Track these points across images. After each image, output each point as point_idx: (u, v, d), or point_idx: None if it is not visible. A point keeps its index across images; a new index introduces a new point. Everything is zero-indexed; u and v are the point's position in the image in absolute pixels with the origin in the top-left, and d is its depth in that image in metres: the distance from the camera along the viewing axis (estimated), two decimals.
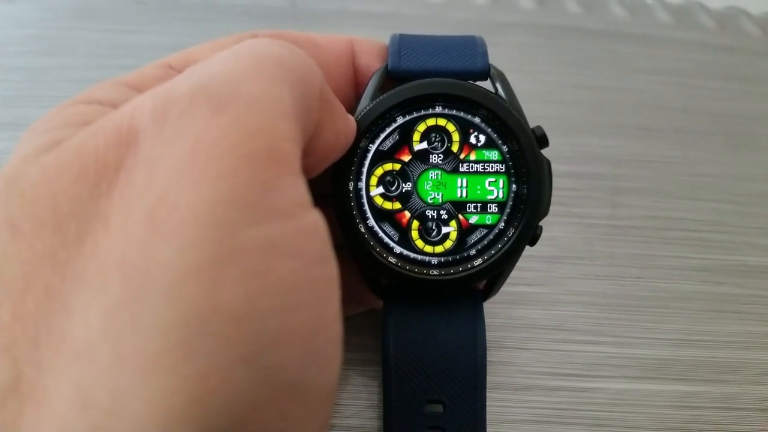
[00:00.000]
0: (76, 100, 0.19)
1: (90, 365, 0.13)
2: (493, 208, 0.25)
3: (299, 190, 0.17)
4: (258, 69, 0.17)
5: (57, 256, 0.15)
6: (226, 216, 0.14)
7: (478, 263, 0.25)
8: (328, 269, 0.17)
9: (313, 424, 0.16)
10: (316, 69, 0.19)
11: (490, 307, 0.31)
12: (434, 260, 0.25)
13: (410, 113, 0.25)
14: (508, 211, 0.25)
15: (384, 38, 0.27)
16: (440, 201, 0.25)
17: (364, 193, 0.25)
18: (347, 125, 0.23)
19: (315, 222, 0.17)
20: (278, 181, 0.16)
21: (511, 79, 0.26)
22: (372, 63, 0.26)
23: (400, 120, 0.25)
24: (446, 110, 0.25)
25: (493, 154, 0.25)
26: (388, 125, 0.25)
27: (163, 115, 0.16)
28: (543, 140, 0.25)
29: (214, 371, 0.13)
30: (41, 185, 0.15)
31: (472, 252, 0.25)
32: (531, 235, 0.25)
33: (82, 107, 0.18)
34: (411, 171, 0.25)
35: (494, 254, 0.25)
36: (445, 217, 0.25)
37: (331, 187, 0.25)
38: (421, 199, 0.25)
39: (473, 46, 0.26)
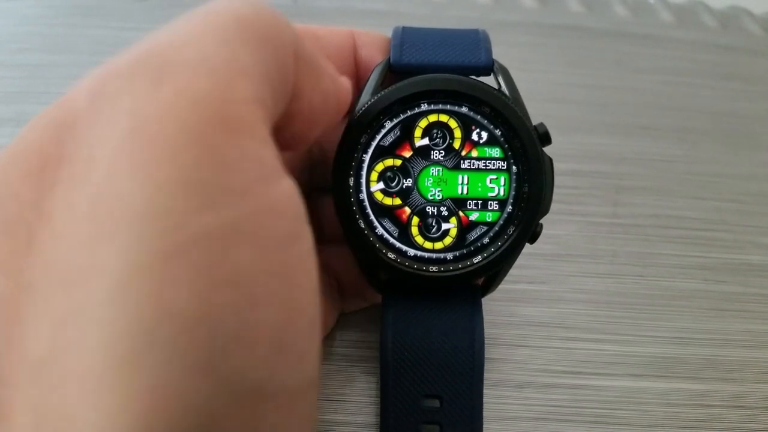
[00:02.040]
0: None
1: (42, 383, 0.12)
2: (494, 205, 0.25)
3: (263, 160, 0.14)
4: (211, 29, 0.15)
5: (10, 263, 0.13)
6: (170, 204, 0.12)
7: (477, 260, 0.25)
8: (299, 249, 0.15)
9: (292, 425, 0.15)
10: (287, 26, 0.17)
11: (492, 304, 0.31)
12: (434, 256, 0.25)
13: (412, 109, 0.25)
14: (509, 208, 0.25)
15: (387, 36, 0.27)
16: (441, 197, 0.25)
17: (364, 188, 0.25)
18: (338, 86, 0.21)
19: (282, 195, 0.15)
20: (233, 154, 0.13)
21: (513, 77, 0.26)
22: (374, 56, 0.26)
23: (401, 115, 0.25)
24: (448, 106, 0.25)
25: (495, 152, 0.25)
26: (389, 120, 0.25)
27: (99, 93, 0.14)
28: (545, 138, 0.25)
29: (165, 384, 0.12)
30: None
31: (472, 249, 0.25)
32: (531, 233, 0.25)
33: None
34: (412, 167, 0.25)
35: (494, 251, 0.25)
36: (445, 213, 0.25)
37: (331, 182, 0.25)
38: (421, 195, 0.25)
39: (477, 40, 0.26)
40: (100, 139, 0.13)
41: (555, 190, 0.25)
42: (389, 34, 0.27)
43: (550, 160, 0.25)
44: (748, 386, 0.30)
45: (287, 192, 0.15)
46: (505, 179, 0.25)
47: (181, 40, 0.15)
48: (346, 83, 0.21)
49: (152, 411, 0.12)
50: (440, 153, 0.25)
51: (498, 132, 0.25)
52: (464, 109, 0.25)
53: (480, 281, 0.27)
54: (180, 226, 0.12)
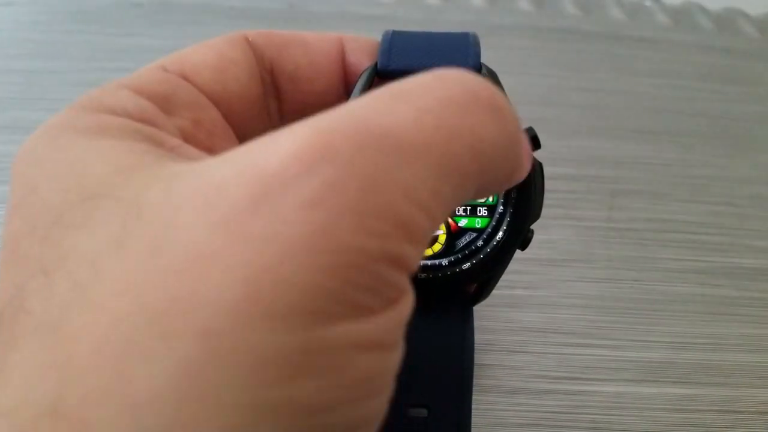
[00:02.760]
0: (88, 106, 0.17)
1: None
2: (483, 211, 0.25)
3: (406, 273, 0.14)
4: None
5: None
6: (324, 306, 0.12)
7: (466, 266, 0.25)
8: (398, 354, 0.15)
9: None
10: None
11: (487, 309, 0.31)
12: (422, 263, 0.25)
13: None
14: (497, 215, 0.25)
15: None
16: None
17: None
18: (318, 45, 0.22)
19: (407, 308, 0.14)
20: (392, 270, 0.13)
21: (508, 81, 0.26)
22: (362, 61, 0.25)
23: None
24: None
25: None
26: None
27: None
28: (535, 142, 0.25)
29: None
30: None
31: (461, 255, 0.25)
32: (522, 239, 0.25)
33: (115, 120, 0.16)
34: None
35: (483, 258, 0.25)
36: None
37: None
38: None
39: (466, 44, 0.26)
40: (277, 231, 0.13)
41: (551, 194, 0.25)
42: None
43: (540, 164, 0.25)
44: (744, 390, 0.30)
45: (410, 304, 0.15)
46: None
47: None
48: (326, 39, 0.23)
49: None
50: None
51: None
52: None
53: (471, 289, 0.27)
54: (325, 327, 0.12)
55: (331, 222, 0.12)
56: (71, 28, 0.42)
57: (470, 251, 0.25)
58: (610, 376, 0.30)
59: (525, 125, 0.25)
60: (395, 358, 0.14)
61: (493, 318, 0.31)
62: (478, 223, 0.25)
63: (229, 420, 0.11)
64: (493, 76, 0.25)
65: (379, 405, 0.14)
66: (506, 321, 0.31)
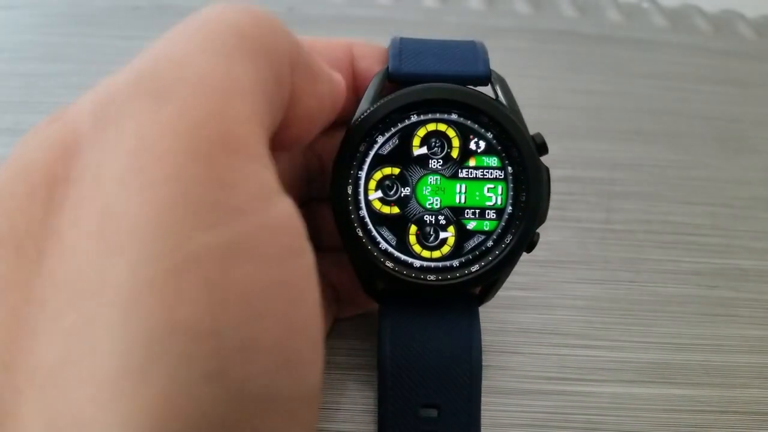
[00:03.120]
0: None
1: (54, 392, 0.13)
2: (492, 214, 0.25)
3: (262, 181, 0.15)
4: (210, 43, 0.15)
5: (19, 277, 0.14)
6: (175, 223, 0.13)
7: (475, 269, 0.25)
8: (301, 265, 0.15)
9: None
10: (285, 34, 0.18)
11: (484, 312, 0.31)
12: (432, 265, 0.25)
13: (410, 118, 0.25)
14: (507, 217, 0.25)
15: (381, 43, 0.27)
16: (439, 206, 0.25)
17: (362, 197, 0.25)
18: (333, 86, 0.21)
19: (282, 214, 0.15)
20: (234, 174, 0.14)
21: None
22: (372, 67, 0.26)
23: (399, 124, 0.25)
24: (447, 115, 0.25)
25: (493, 161, 0.25)
26: (388, 129, 0.25)
27: (102, 116, 0.15)
28: (543, 148, 0.25)
29: (176, 391, 0.13)
30: None
31: (470, 257, 0.25)
32: (528, 242, 0.25)
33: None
34: (410, 175, 0.25)
35: (491, 260, 0.25)
36: (443, 222, 0.25)
37: (329, 192, 0.25)
38: (419, 204, 0.25)
39: (474, 51, 0.26)
40: (106, 161, 0.14)
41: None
42: (384, 41, 0.27)
43: (547, 169, 0.25)
44: (741, 391, 0.30)
45: (286, 211, 0.15)
46: (502, 188, 0.25)
47: (179, 55, 0.15)
48: (339, 82, 0.22)
49: (165, 415, 0.12)
50: (438, 162, 0.25)
51: (495, 141, 0.25)
52: (462, 119, 0.25)
53: (477, 290, 0.27)
54: (185, 243, 0.13)
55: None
56: (71, 30, 0.42)
57: (480, 252, 0.25)
58: (606, 377, 0.30)
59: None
60: (297, 267, 0.15)
61: (489, 319, 0.31)
62: (487, 225, 0.25)
63: (126, 363, 0.13)
64: (502, 82, 0.26)
65: (293, 318, 0.15)
66: (503, 322, 0.31)
